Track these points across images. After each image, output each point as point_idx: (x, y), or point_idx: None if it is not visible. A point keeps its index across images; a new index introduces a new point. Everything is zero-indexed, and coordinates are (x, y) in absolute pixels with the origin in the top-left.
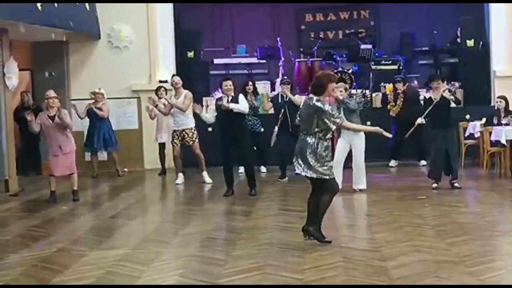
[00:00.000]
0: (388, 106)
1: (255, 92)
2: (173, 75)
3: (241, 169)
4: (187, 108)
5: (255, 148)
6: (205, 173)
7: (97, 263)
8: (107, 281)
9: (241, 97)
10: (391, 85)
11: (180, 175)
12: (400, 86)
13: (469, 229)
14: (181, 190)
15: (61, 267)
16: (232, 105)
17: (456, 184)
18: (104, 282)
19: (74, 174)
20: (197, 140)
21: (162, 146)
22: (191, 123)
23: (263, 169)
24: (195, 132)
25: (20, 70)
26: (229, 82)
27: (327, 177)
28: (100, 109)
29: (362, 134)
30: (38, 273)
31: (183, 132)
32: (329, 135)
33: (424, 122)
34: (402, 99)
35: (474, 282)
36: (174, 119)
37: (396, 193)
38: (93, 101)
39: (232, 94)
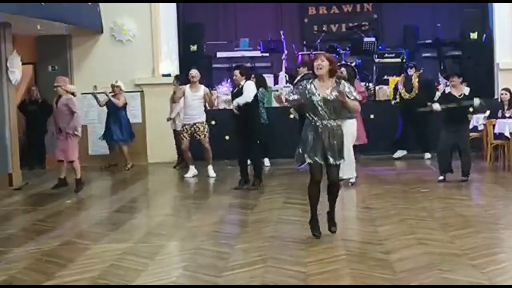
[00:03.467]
0: (402, 92)
1: (260, 84)
2: (192, 68)
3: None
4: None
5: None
6: (210, 167)
7: (101, 256)
8: (111, 274)
9: (246, 84)
10: (394, 77)
11: (192, 167)
12: (412, 72)
13: (473, 222)
14: (185, 183)
15: (65, 261)
16: (234, 103)
17: (464, 178)
18: (108, 276)
19: (74, 163)
20: (207, 134)
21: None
22: (203, 116)
23: (266, 162)
24: (206, 126)
25: (23, 64)
26: (236, 72)
27: (308, 162)
28: (116, 100)
29: (352, 122)
30: (42, 266)
31: (194, 126)
32: (315, 117)
33: (439, 109)
34: (417, 85)
35: (478, 275)
36: (186, 112)
37: (399, 186)
38: (111, 93)
39: (241, 82)
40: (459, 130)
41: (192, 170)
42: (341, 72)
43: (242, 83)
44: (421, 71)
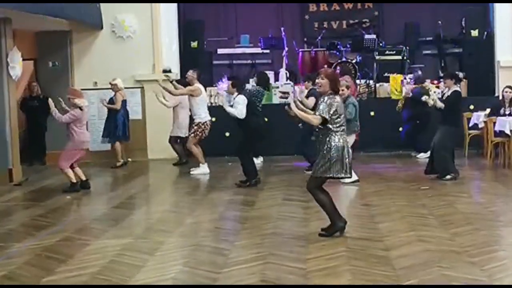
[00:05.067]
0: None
1: (260, 83)
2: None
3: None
4: (177, 94)
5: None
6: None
7: (101, 252)
8: (111, 270)
9: (237, 99)
10: (395, 75)
11: (202, 165)
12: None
13: (472, 219)
14: (185, 180)
15: (65, 256)
16: (228, 109)
17: (446, 177)
18: (108, 272)
19: (64, 171)
20: (194, 136)
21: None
22: (197, 118)
23: (257, 160)
24: (200, 127)
25: (24, 60)
26: (228, 83)
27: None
28: (112, 102)
29: (354, 135)
30: (42, 262)
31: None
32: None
33: (427, 99)
34: (404, 98)
35: (478, 272)
36: (206, 110)
37: (400, 183)
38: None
39: (233, 95)
40: (440, 130)
41: (203, 168)
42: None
43: (233, 96)
44: (420, 85)
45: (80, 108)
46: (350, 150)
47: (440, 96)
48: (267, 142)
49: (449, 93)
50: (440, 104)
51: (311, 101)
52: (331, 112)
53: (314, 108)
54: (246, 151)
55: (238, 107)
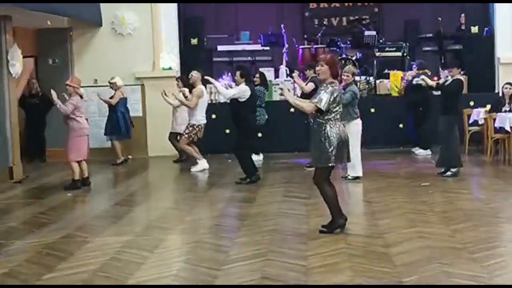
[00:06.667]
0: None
1: (264, 83)
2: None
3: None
4: (193, 105)
5: (260, 135)
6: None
7: (101, 249)
8: (111, 267)
9: (241, 86)
10: (395, 71)
11: (200, 162)
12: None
13: (473, 216)
14: (185, 177)
15: (65, 254)
16: (215, 82)
17: (447, 173)
18: (109, 269)
19: (70, 164)
20: (187, 137)
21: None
22: (193, 119)
23: (258, 156)
24: (194, 129)
25: (24, 57)
26: (237, 73)
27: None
28: (108, 100)
29: (356, 121)
30: (42, 259)
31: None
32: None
33: (418, 80)
34: (404, 86)
35: (478, 268)
36: (203, 113)
37: (400, 179)
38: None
39: (240, 85)
40: (443, 120)
41: (201, 164)
42: (348, 76)
43: (240, 85)
44: (420, 72)
45: (81, 96)
46: (348, 136)
47: (441, 83)
48: (267, 139)
49: (450, 80)
50: (431, 83)
51: (310, 86)
52: (331, 101)
53: (311, 95)
54: (243, 149)
55: (232, 90)
